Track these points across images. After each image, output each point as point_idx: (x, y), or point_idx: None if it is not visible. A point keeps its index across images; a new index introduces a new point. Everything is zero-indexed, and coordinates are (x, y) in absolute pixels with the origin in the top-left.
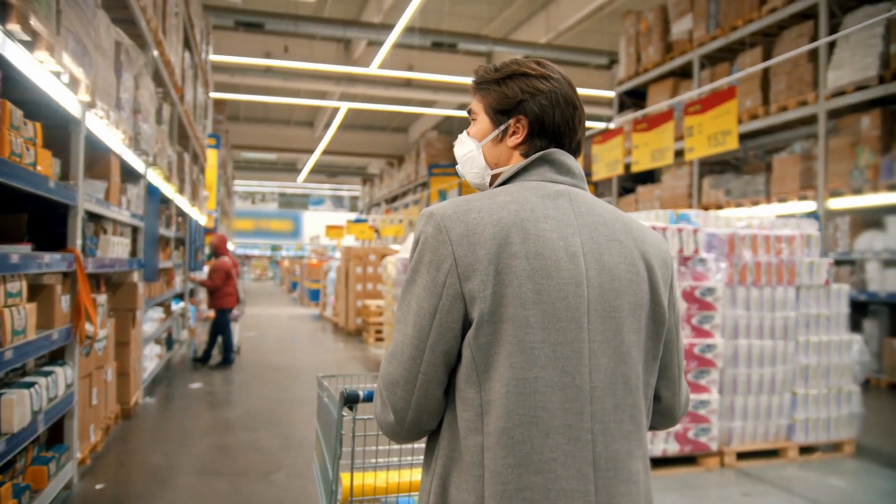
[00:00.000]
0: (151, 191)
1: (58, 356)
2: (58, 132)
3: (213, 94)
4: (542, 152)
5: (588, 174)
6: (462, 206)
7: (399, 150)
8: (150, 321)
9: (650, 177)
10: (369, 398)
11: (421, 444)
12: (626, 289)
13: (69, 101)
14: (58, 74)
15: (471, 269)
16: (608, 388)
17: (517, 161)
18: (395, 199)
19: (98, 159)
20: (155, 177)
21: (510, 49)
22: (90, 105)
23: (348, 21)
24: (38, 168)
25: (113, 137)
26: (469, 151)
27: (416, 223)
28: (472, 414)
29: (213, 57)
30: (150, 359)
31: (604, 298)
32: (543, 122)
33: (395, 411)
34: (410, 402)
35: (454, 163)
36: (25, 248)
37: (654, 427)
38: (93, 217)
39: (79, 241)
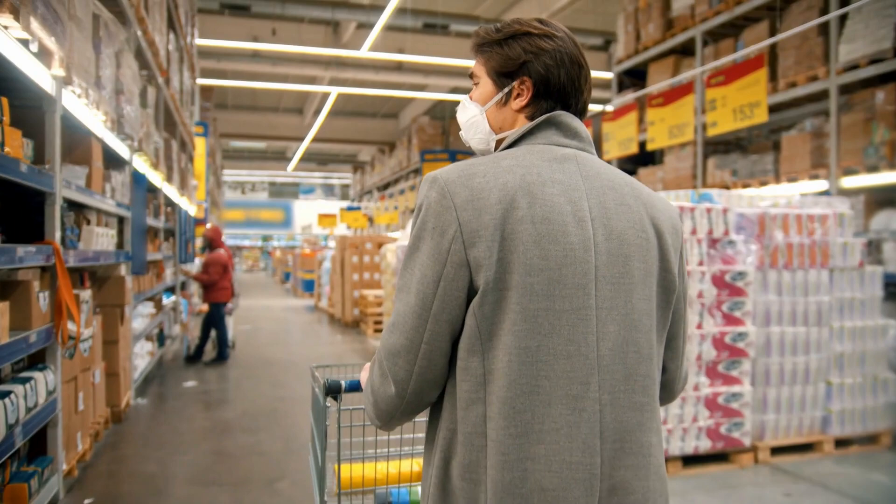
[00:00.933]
0: (138, 178)
1: (38, 360)
2: (30, 112)
3: (200, 81)
4: (547, 115)
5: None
6: (466, 170)
7: (390, 137)
8: (139, 317)
9: (650, 158)
10: (353, 387)
11: (409, 435)
12: (636, 254)
13: (41, 76)
14: (25, 43)
15: (476, 235)
16: (618, 356)
17: (522, 124)
18: (387, 186)
19: (78, 143)
20: (141, 164)
21: None
22: (66, 81)
23: (337, 2)
24: (6, 150)
25: (93, 119)
26: (472, 116)
27: (419, 189)
28: (474, 384)
29: (199, 41)
30: (140, 357)
31: (612, 264)
32: (549, 83)
33: (395, 382)
34: (413, 372)
35: (446, 148)
36: None
37: None
38: (74, 206)
39: (57, 233)
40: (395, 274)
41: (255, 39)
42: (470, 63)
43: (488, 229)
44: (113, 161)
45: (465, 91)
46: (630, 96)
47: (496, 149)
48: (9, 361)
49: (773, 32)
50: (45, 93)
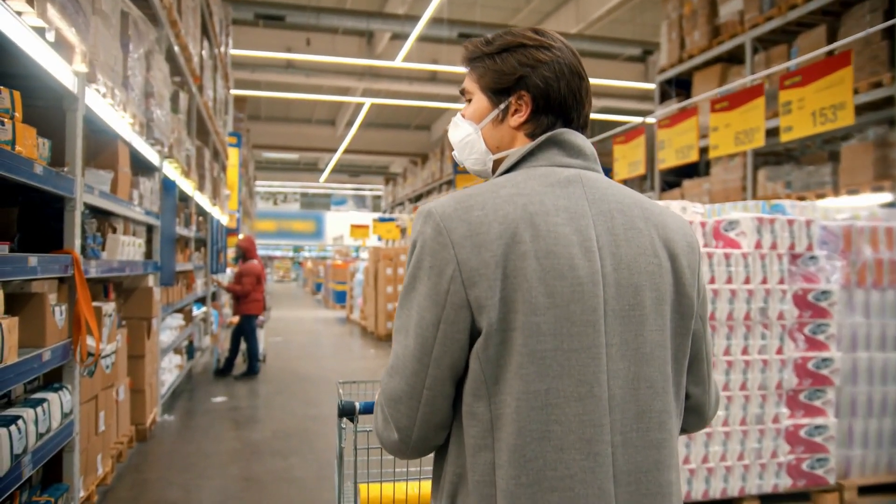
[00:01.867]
0: (167, 185)
1: (54, 378)
2: (50, 112)
3: (234, 91)
4: (548, 134)
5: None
6: (463, 202)
7: (422, 149)
8: (168, 329)
9: (695, 170)
10: (367, 409)
11: (430, 456)
12: (646, 283)
13: (60, 70)
14: (41, 31)
15: (476, 273)
16: (630, 394)
17: (522, 142)
18: (419, 197)
19: (103, 147)
20: (171, 170)
21: None
22: (89, 78)
23: (372, 12)
24: (18, 148)
25: (120, 121)
26: (467, 135)
27: (413, 223)
28: (481, 429)
29: (234, 51)
30: (168, 371)
31: (621, 296)
32: (549, 97)
33: (398, 429)
34: (415, 419)
35: None
36: (1, 248)
37: (685, 430)
38: (99, 213)
39: (77, 241)
40: None
41: (290, 50)
42: None
43: (489, 267)
44: (142, 167)
45: None
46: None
47: (494, 169)
48: (18, 383)
49: (831, 37)
50: (66, 89)
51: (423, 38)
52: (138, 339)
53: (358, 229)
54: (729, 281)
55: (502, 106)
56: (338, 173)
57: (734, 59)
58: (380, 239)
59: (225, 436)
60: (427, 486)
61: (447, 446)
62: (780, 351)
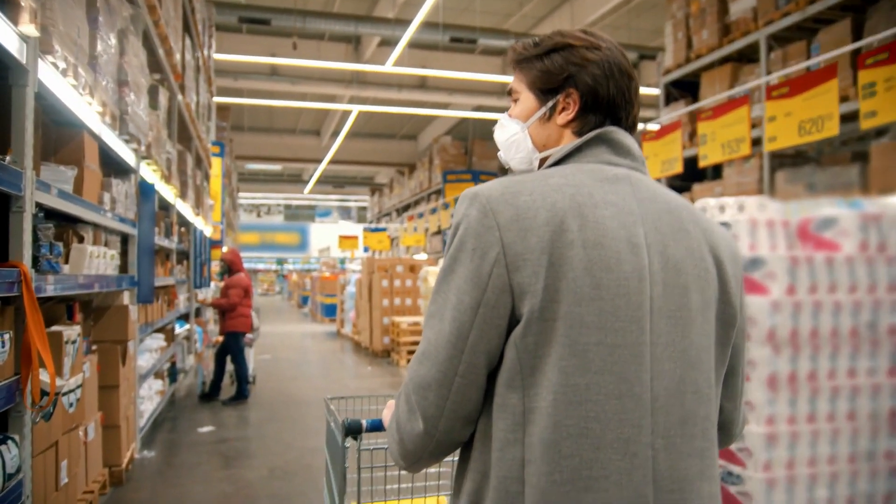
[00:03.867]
0: (146, 190)
1: (0, 427)
2: None
3: (217, 99)
4: (597, 131)
5: None
6: (511, 187)
7: (409, 159)
8: (147, 352)
9: (705, 172)
10: (374, 427)
11: (434, 470)
12: (694, 285)
13: (4, 33)
14: None
15: (520, 258)
16: (674, 397)
17: (569, 140)
18: (406, 208)
19: (65, 139)
20: (150, 173)
21: None
22: (43, 48)
23: (361, 17)
24: None
25: (86, 108)
26: (513, 134)
27: (457, 206)
28: (511, 423)
29: (217, 55)
30: (148, 399)
31: (668, 296)
32: (597, 95)
33: (425, 418)
34: (444, 408)
35: (469, 169)
36: None
37: None
38: (61, 219)
39: (27, 252)
40: None
41: (274, 56)
42: (495, 78)
43: (534, 253)
44: (115, 167)
45: (490, 109)
46: (671, 114)
47: (540, 168)
48: None
49: (856, 31)
50: (11, 57)
51: (412, 44)
52: (111, 367)
53: (347, 240)
54: (832, 290)
55: (550, 103)
56: (322, 184)
57: (745, 58)
58: (367, 250)
59: (214, 475)
60: (430, 502)
61: (471, 444)
62: (893, 373)
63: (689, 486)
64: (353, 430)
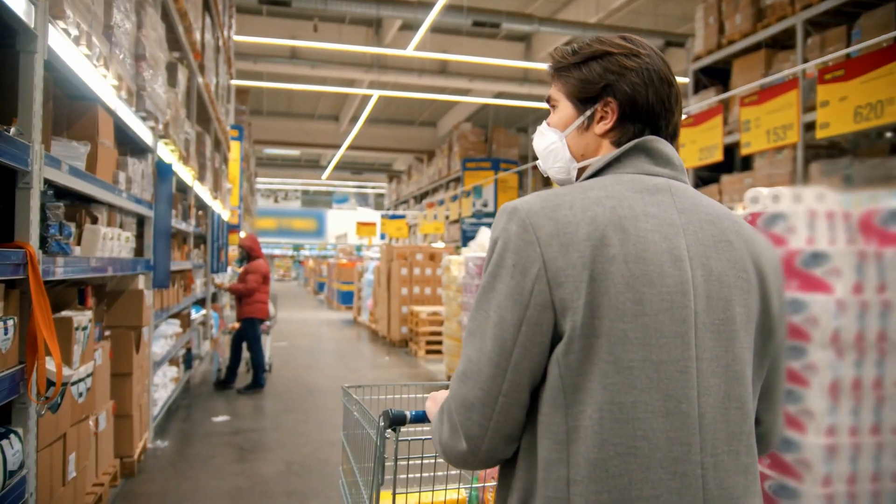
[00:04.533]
0: (163, 170)
1: (2, 420)
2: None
3: (236, 82)
4: (636, 140)
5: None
6: (550, 200)
7: (427, 145)
8: (162, 338)
9: (733, 163)
10: (418, 419)
11: None
12: (737, 298)
13: None
14: None
15: (562, 273)
16: (720, 413)
17: (607, 150)
18: (424, 195)
19: (78, 114)
20: (168, 153)
21: (557, 29)
22: (54, 13)
23: None
24: None
25: (100, 80)
26: (551, 143)
27: (495, 220)
28: (554, 442)
29: (237, 37)
30: (162, 386)
31: (712, 309)
32: (636, 104)
33: (468, 438)
34: (488, 428)
35: (489, 156)
36: None
37: None
38: (74, 198)
39: (34, 231)
40: (461, 290)
41: (295, 39)
42: (517, 63)
43: (576, 268)
44: (131, 146)
45: (511, 96)
46: (702, 102)
47: (578, 178)
48: None
49: None
50: (18, 20)
51: (434, 28)
52: (124, 354)
53: (364, 227)
54: None
55: (588, 113)
56: (340, 170)
57: (778, 44)
58: (383, 237)
59: (228, 469)
60: (451, 493)
61: (515, 460)
62: None
63: None
64: (397, 421)
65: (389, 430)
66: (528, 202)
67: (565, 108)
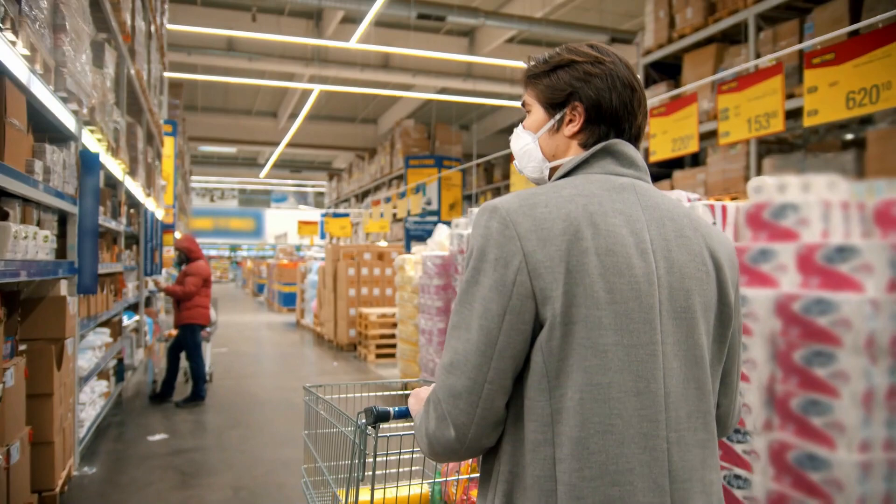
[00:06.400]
0: (88, 161)
1: None
2: None
3: (169, 74)
4: (602, 144)
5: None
6: (528, 199)
7: (369, 143)
8: (89, 350)
9: (683, 159)
10: (401, 415)
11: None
12: (696, 288)
13: None
14: None
15: (541, 265)
16: (682, 393)
17: (575, 151)
18: (366, 193)
19: None
20: (94, 143)
21: (502, 23)
22: None
23: None
24: None
25: (6, 47)
26: (525, 145)
27: (476, 219)
28: (540, 424)
29: (170, 26)
30: (90, 404)
31: (674, 298)
32: (600, 107)
33: (456, 427)
34: (474, 415)
35: (432, 154)
36: None
37: None
38: None
39: None
40: (416, 290)
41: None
42: (461, 58)
43: (553, 261)
44: (50, 130)
45: (454, 92)
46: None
47: (550, 177)
48: None
49: (854, 11)
50: None
51: (376, 22)
52: (44, 372)
53: (306, 226)
54: None
55: (557, 116)
56: (279, 169)
57: (728, 38)
58: (324, 236)
59: (167, 497)
60: (415, 487)
61: (499, 445)
62: None
63: (695, 476)
64: (381, 418)
65: (370, 427)
66: (508, 201)
67: (537, 112)
